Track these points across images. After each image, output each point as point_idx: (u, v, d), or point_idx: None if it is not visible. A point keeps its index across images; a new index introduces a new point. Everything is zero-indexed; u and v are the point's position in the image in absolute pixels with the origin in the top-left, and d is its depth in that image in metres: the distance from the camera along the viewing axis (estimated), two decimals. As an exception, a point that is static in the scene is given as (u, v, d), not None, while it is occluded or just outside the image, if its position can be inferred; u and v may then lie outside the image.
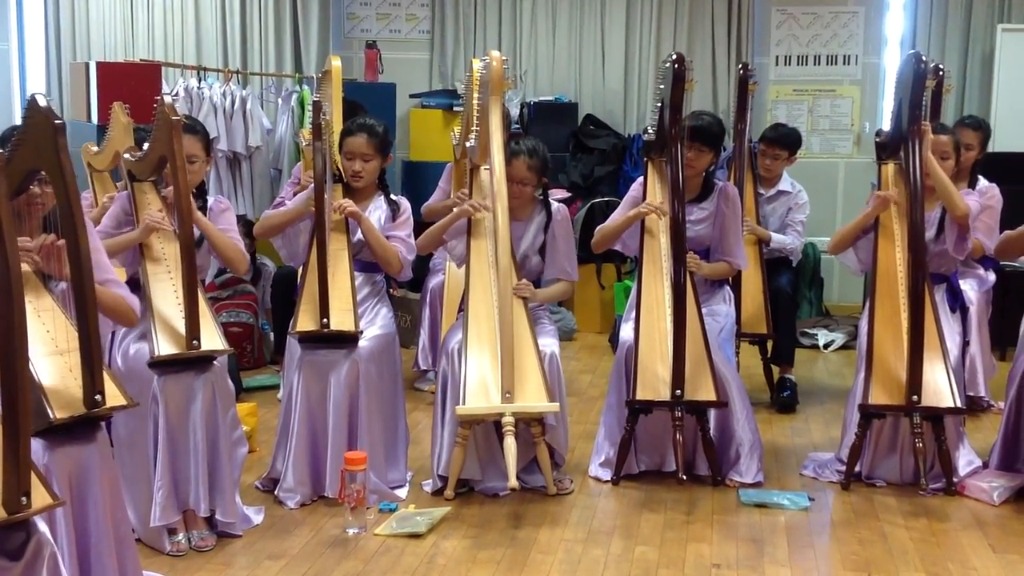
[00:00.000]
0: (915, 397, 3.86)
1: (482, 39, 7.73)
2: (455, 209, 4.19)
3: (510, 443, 3.64)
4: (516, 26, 7.75)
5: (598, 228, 4.40)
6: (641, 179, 4.36)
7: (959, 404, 3.93)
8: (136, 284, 3.58)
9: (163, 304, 3.51)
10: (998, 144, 6.72)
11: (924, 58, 3.97)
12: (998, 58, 7.07)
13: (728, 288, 4.57)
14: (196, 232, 3.54)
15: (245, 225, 6.09)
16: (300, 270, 4.08)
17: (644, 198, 4.27)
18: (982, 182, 5.03)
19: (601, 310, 7.01)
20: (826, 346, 6.60)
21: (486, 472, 3.95)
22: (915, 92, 3.94)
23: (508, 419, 3.68)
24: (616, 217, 4.32)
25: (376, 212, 4.11)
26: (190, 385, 3.42)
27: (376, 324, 4.04)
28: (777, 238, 5.43)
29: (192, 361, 3.44)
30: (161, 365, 3.39)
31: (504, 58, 3.94)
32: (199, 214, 3.64)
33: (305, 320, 3.88)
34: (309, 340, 3.89)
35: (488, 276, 4.05)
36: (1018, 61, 7.02)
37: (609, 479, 4.11)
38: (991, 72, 7.14)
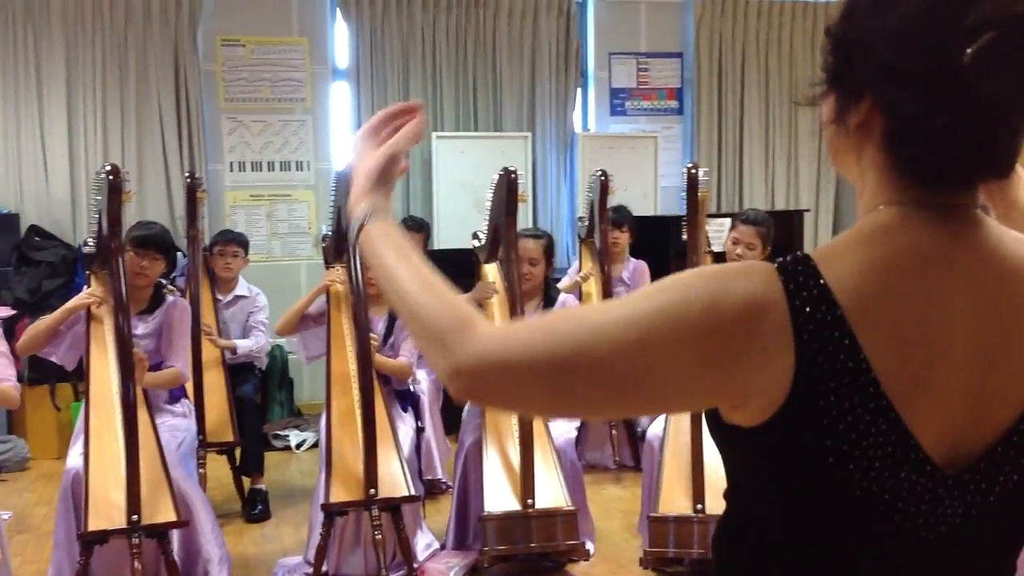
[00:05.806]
0: (372, 491, 4.00)
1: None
2: None
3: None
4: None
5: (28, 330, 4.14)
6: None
7: (413, 492, 4.13)
8: None
9: None
10: (441, 241, 7.32)
11: (346, 168, 4.23)
12: (435, 162, 7.71)
13: (187, 400, 4.48)
14: None
15: None
16: None
17: (89, 312, 4.07)
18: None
19: (59, 433, 6.47)
20: (298, 446, 6.66)
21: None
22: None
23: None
24: (47, 318, 4.08)
25: None
26: None
27: None
28: (243, 344, 5.43)
29: None
30: None
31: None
32: None
33: None
34: None
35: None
36: (450, 164, 7.69)
37: (62, 623, 3.77)
38: (431, 175, 7.76)
